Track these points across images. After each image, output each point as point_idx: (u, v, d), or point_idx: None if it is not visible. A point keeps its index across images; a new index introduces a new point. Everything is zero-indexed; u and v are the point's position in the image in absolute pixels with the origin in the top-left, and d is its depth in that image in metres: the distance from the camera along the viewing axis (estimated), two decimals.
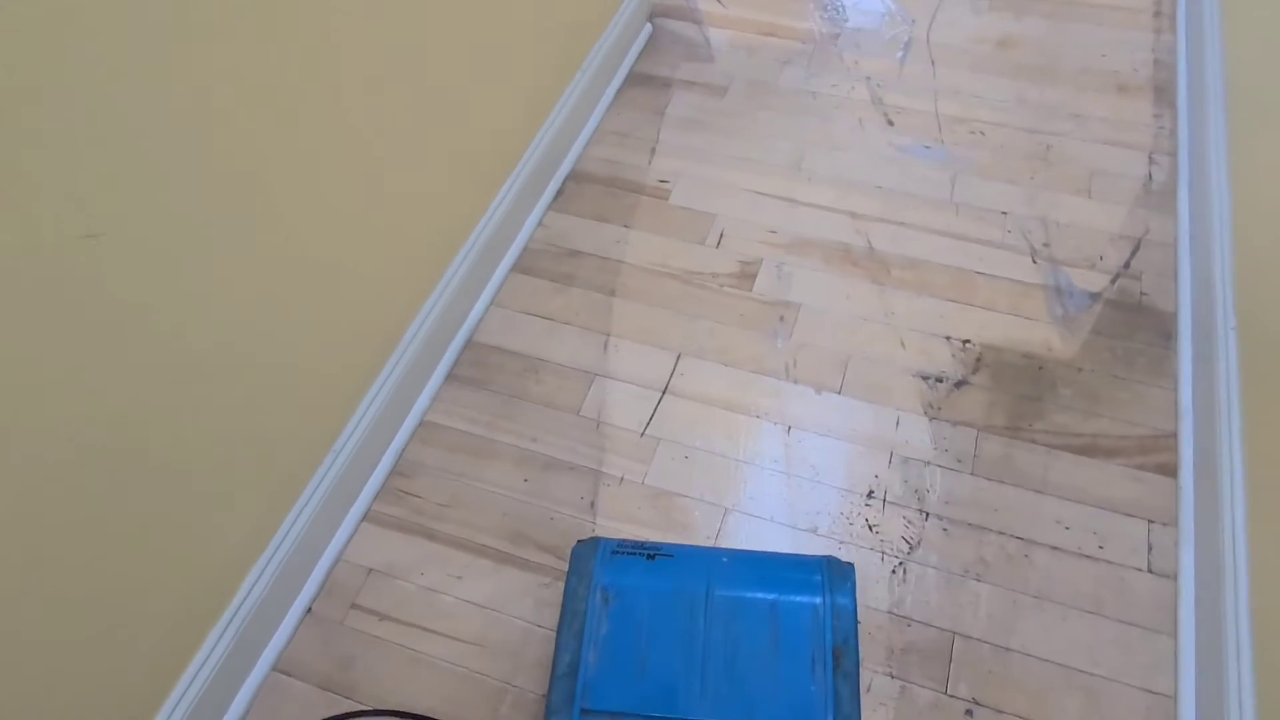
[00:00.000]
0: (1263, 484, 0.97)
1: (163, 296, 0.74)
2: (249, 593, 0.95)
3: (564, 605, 0.90)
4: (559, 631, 0.89)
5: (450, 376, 1.25)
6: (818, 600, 0.89)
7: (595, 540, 0.94)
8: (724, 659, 0.87)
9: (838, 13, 1.80)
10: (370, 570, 1.07)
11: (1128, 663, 1.00)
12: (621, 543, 0.94)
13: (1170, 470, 1.14)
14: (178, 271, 0.75)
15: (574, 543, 1.03)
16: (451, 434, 1.19)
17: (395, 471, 1.16)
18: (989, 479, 1.14)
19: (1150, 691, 0.98)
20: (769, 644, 0.88)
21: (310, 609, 1.05)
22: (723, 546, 1.09)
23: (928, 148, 1.54)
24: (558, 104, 1.45)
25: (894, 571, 1.07)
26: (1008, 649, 1.01)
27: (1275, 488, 0.95)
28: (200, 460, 0.84)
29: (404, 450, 1.17)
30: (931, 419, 1.19)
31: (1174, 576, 1.05)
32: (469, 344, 1.28)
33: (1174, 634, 1.01)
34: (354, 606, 1.05)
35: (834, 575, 0.91)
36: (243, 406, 0.88)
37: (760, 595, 0.90)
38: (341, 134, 0.92)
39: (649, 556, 0.93)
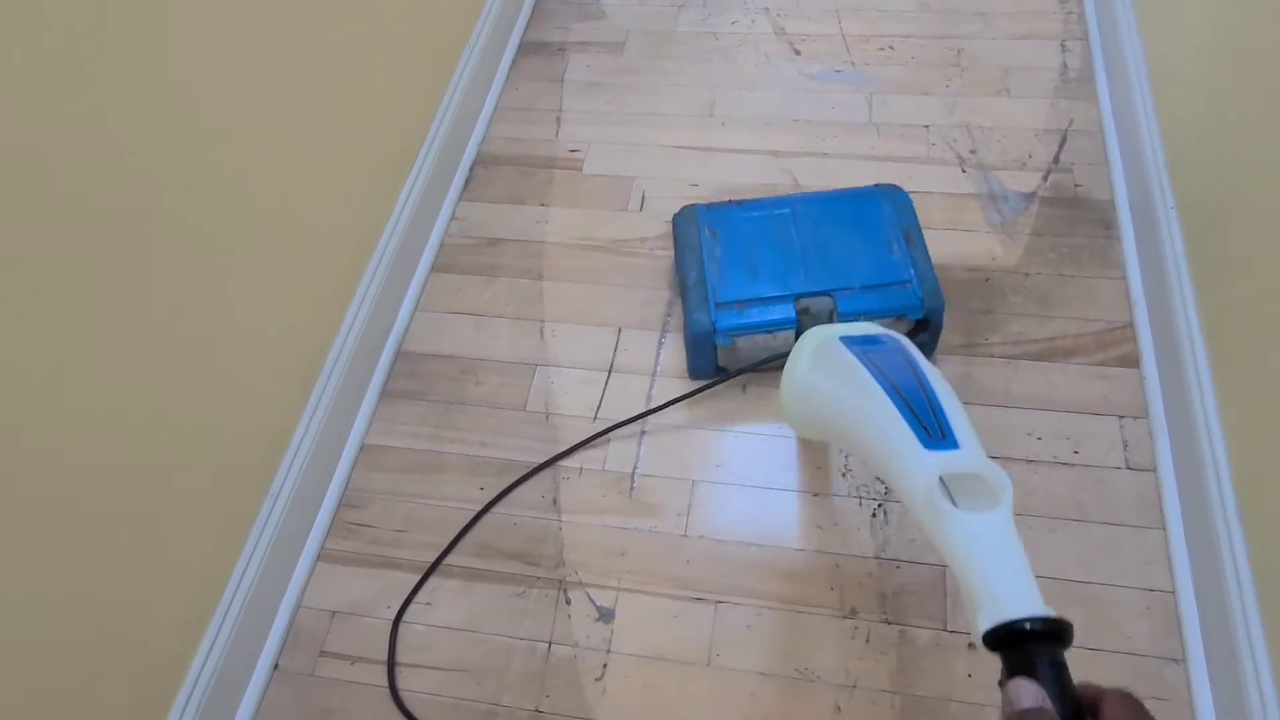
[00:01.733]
0: (1226, 358, 0.95)
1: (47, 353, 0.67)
2: (205, 662, 0.89)
3: (679, 248, 1.16)
4: (679, 264, 1.15)
5: (385, 393, 1.18)
6: (881, 203, 1.15)
7: (691, 206, 1.19)
8: (818, 252, 1.10)
9: None
10: (334, 613, 1.01)
11: (1121, 565, 0.97)
12: (711, 204, 1.19)
13: (1132, 361, 1.12)
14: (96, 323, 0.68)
15: (549, 547, 0.99)
16: (395, 454, 1.13)
17: (343, 504, 1.09)
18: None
19: (1149, 590, 0.96)
20: (853, 235, 1.11)
21: (277, 665, 0.99)
22: None
23: (839, 71, 1.49)
24: (448, 89, 1.37)
25: (873, 515, 1.03)
26: None
27: (1239, 360, 0.92)
28: (123, 528, 0.78)
29: (349, 480, 1.11)
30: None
31: (1153, 469, 1.03)
32: (399, 355, 1.21)
33: (1163, 527, 0.99)
34: (323, 654, 0.99)
35: (890, 192, 1.16)
36: (156, 471, 0.81)
37: (837, 207, 1.15)
38: (210, 151, 0.84)
39: (737, 204, 1.17)
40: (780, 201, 1.17)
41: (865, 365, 0.79)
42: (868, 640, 0.95)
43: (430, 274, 1.29)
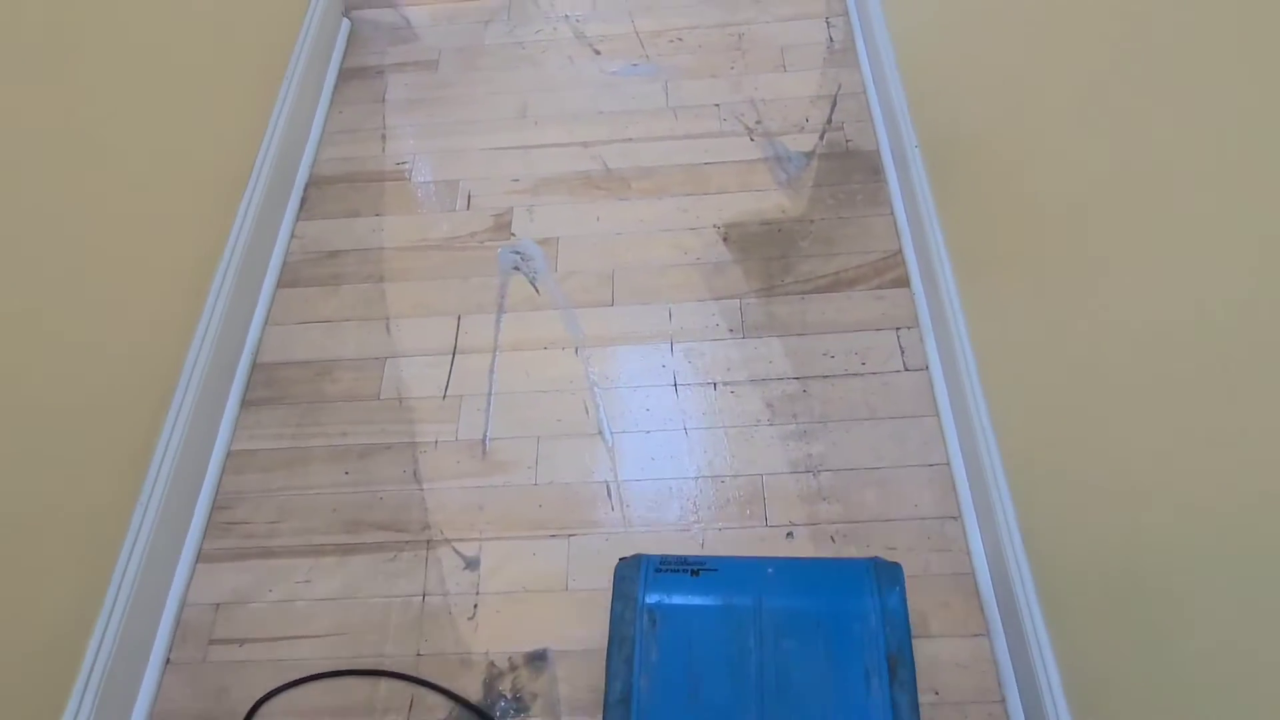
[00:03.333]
0: (963, 266, 1.13)
1: None
2: (93, 664, 0.96)
3: (611, 630, 0.89)
4: (609, 657, 0.88)
5: (245, 403, 1.26)
6: (868, 607, 0.88)
7: (637, 558, 0.93)
8: (777, 678, 0.85)
9: None
10: (218, 605, 1.09)
11: (905, 449, 1.15)
12: (664, 559, 0.93)
13: (903, 282, 1.30)
14: None
15: (414, 514, 1.09)
16: (262, 455, 1.21)
17: (216, 507, 1.17)
18: (758, 338, 1.26)
19: (929, 465, 1.13)
20: (822, 659, 0.86)
21: (169, 659, 1.06)
22: (766, 556, 1.03)
23: (635, 65, 1.64)
24: (271, 119, 1.45)
25: (700, 443, 1.17)
26: (807, 471, 1.14)
27: (972, 266, 1.10)
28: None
29: (219, 485, 1.19)
30: (699, 300, 1.30)
31: (925, 368, 1.21)
32: (255, 367, 1.29)
33: (936, 414, 1.17)
34: (212, 642, 1.06)
35: (882, 578, 0.89)
36: (22, 490, 0.88)
37: (809, 606, 0.88)
38: (35, 199, 0.92)
39: (693, 572, 0.91)
40: (745, 577, 0.91)
41: None
42: (701, 545, 1.09)
43: (277, 290, 1.38)
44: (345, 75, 1.69)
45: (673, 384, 1.23)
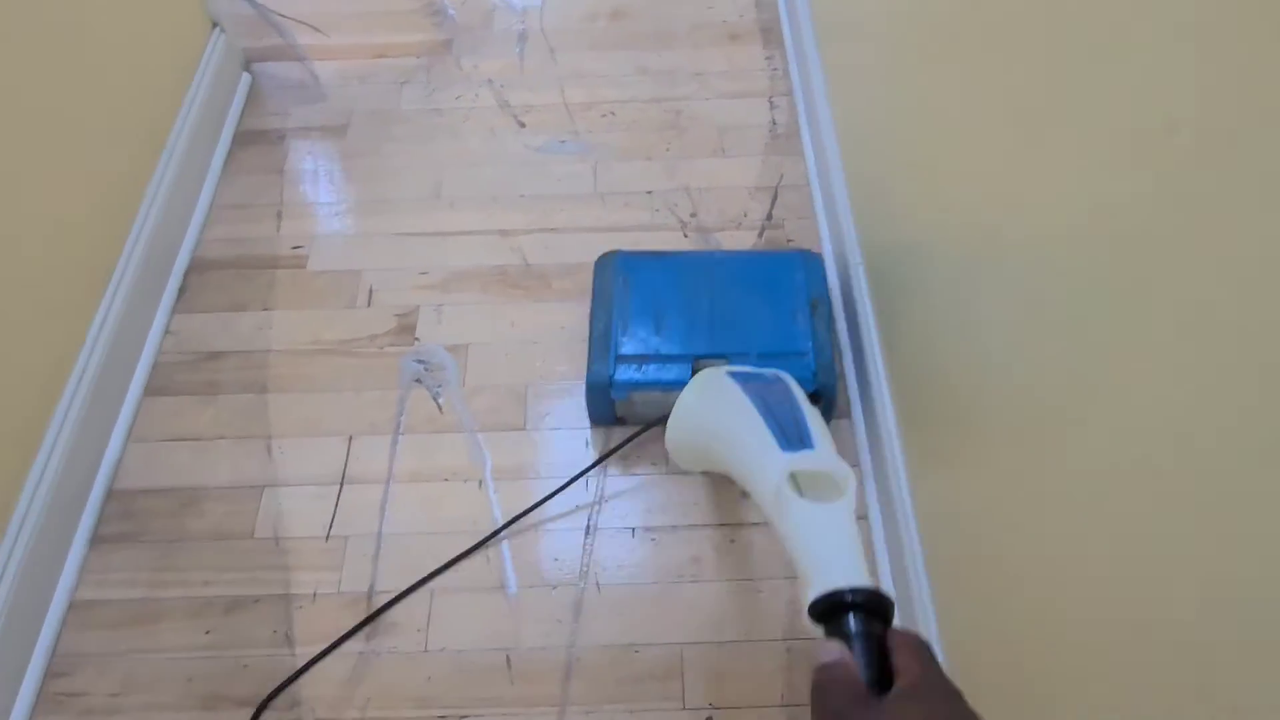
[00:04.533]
0: (907, 417, 1.02)
1: None
2: None
3: (594, 297, 1.18)
4: (592, 311, 1.17)
5: (95, 540, 1.10)
6: (796, 267, 1.18)
7: (614, 252, 1.22)
8: (724, 315, 1.13)
9: (446, 17, 1.72)
10: None
11: None
12: (634, 251, 1.23)
13: (843, 414, 1.19)
14: None
15: (271, 685, 0.94)
16: (110, 608, 1.05)
17: (50, 673, 1.00)
18: (684, 473, 1.14)
19: None
20: (760, 302, 1.14)
21: None
22: None
23: (563, 142, 1.51)
24: (150, 187, 1.29)
25: (594, 583, 1.04)
26: (729, 642, 1.01)
27: (916, 414, 1.00)
28: None
29: (56, 645, 1.02)
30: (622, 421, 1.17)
31: (865, 516, 1.10)
32: (109, 495, 1.13)
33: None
34: None
35: (808, 259, 1.20)
36: None
37: (750, 270, 1.18)
38: None
39: (657, 257, 1.22)
40: (701, 258, 1.23)
41: (742, 389, 0.87)
42: None
43: (144, 398, 1.21)
44: (241, 139, 1.52)
45: (584, 527, 1.10)
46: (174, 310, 1.30)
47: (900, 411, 1.04)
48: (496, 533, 1.08)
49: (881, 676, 0.48)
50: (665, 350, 1.11)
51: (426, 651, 1.01)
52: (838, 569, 0.57)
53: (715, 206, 1.41)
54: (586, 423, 1.18)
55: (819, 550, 0.60)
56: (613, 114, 1.55)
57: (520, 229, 1.39)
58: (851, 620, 0.51)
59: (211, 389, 1.22)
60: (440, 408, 1.20)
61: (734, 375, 0.94)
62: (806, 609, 0.54)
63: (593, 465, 1.12)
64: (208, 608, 1.04)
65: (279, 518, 1.11)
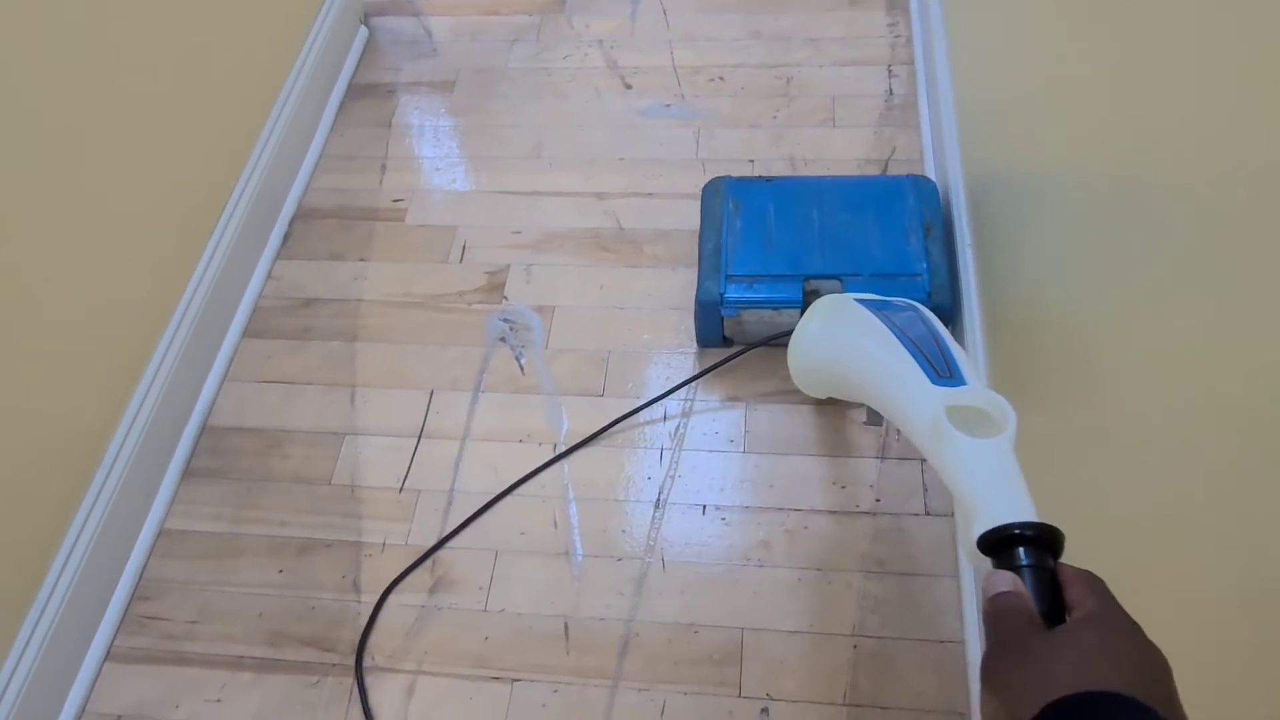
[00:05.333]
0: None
1: None
2: None
3: (703, 217, 1.17)
4: (701, 231, 1.17)
5: (187, 473, 1.14)
6: (907, 191, 1.15)
7: (722, 177, 1.21)
8: (835, 235, 1.11)
9: None
10: (119, 718, 0.98)
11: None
12: (741, 177, 1.21)
13: None
14: None
15: (346, 632, 0.96)
16: (194, 539, 1.09)
17: (136, 596, 1.05)
18: (760, 453, 1.09)
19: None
20: (871, 223, 1.12)
21: None
22: None
23: (668, 106, 1.47)
24: (259, 140, 1.32)
25: (659, 558, 1.02)
26: (793, 632, 0.97)
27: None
28: None
29: (144, 570, 1.07)
30: (701, 399, 1.14)
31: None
32: (204, 431, 1.17)
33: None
34: None
35: (920, 184, 1.17)
36: None
37: (860, 193, 1.16)
38: None
39: (767, 180, 1.19)
40: (809, 182, 1.20)
41: (878, 317, 0.84)
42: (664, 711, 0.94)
43: (242, 339, 1.25)
44: (353, 92, 1.55)
45: (663, 502, 1.07)
46: (277, 256, 1.34)
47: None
48: (565, 453, 1.07)
49: (1053, 609, 0.47)
50: (776, 270, 1.09)
51: (486, 611, 1.01)
52: (1006, 504, 0.55)
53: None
54: (688, 396, 1.14)
55: (985, 485, 0.59)
56: (721, 79, 1.49)
57: (616, 192, 1.36)
58: (1023, 553, 0.51)
59: (305, 334, 1.25)
60: (522, 368, 1.19)
61: (866, 303, 0.89)
62: (975, 541, 0.53)
63: (688, 381, 1.13)
64: (283, 548, 1.07)
65: (356, 467, 1.13)
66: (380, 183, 1.42)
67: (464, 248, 1.32)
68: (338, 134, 1.49)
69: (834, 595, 0.99)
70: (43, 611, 0.94)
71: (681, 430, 1.12)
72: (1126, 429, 0.67)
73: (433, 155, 1.44)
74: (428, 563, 1.05)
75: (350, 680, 0.97)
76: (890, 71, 1.47)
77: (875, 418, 1.01)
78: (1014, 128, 1.01)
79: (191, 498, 1.12)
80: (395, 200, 1.39)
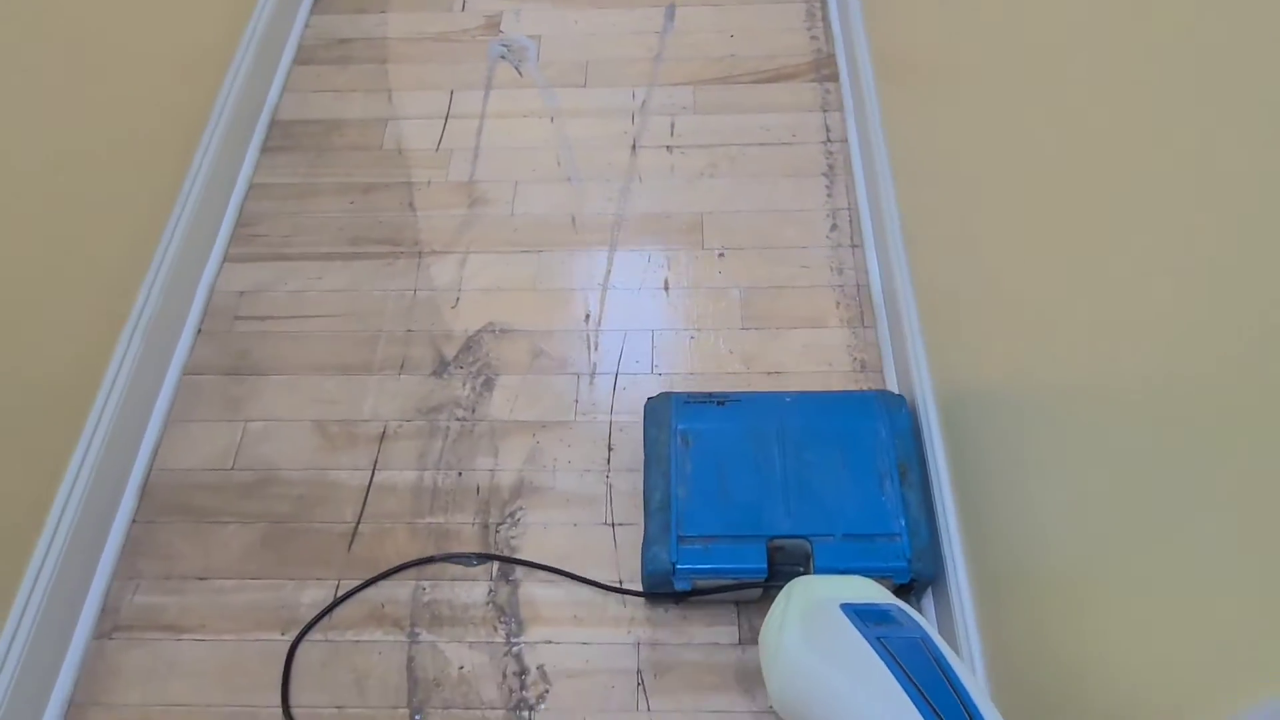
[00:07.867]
0: (885, 78, 1.34)
1: None
2: (135, 328, 1.16)
3: (647, 454, 1.02)
4: (646, 475, 1.01)
5: (264, 149, 1.46)
6: (879, 425, 1.01)
7: (666, 395, 1.06)
8: (800, 481, 0.97)
9: None
10: (242, 293, 1.30)
11: (816, 198, 1.37)
12: (690, 394, 1.06)
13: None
14: None
15: (408, 233, 1.30)
16: (279, 188, 1.41)
17: (239, 224, 1.38)
18: (708, 114, 1.47)
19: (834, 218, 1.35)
20: (839, 466, 0.98)
21: (200, 330, 1.27)
22: (782, 390, 1.13)
23: None
24: None
25: (637, 178, 1.39)
26: (736, 211, 1.35)
27: (894, 88, 1.31)
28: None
29: (241, 209, 1.39)
30: (660, 85, 1.51)
31: (845, 140, 1.43)
32: (273, 124, 1.49)
33: (850, 174, 1.39)
34: (237, 318, 1.28)
35: (890, 405, 1.03)
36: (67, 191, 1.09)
37: (826, 425, 1.01)
38: None
39: (719, 403, 1.04)
40: (765, 402, 1.04)
41: (877, 651, 0.68)
42: (648, 260, 1.31)
43: (294, 65, 1.57)
44: None
45: (632, 146, 1.44)
46: (311, 11, 1.66)
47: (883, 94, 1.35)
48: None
49: None
50: (735, 529, 0.95)
51: (513, 215, 1.37)
52: None
53: None
54: (634, 82, 1.51)
55: None
56: None
57: None
58: None
59: (345, 60, 1.58)
60: (520, 74, 1.54)
61: (852, 614, 0.75)
62: None
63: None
64: (350, 188, 1.41)
65: (400, 137, 1.47)
66: None
67: (464, 1, 1.66)
68: None
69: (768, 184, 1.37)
70: (177, 222, 1.26)
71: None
72: None
73: None
74: (465, 188, 1.40)
75: (417, 259, 1.32)
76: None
77: None
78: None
79: (271, 165, 1.44)
80: None
